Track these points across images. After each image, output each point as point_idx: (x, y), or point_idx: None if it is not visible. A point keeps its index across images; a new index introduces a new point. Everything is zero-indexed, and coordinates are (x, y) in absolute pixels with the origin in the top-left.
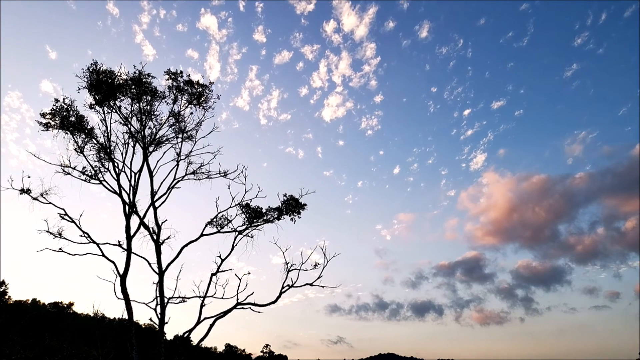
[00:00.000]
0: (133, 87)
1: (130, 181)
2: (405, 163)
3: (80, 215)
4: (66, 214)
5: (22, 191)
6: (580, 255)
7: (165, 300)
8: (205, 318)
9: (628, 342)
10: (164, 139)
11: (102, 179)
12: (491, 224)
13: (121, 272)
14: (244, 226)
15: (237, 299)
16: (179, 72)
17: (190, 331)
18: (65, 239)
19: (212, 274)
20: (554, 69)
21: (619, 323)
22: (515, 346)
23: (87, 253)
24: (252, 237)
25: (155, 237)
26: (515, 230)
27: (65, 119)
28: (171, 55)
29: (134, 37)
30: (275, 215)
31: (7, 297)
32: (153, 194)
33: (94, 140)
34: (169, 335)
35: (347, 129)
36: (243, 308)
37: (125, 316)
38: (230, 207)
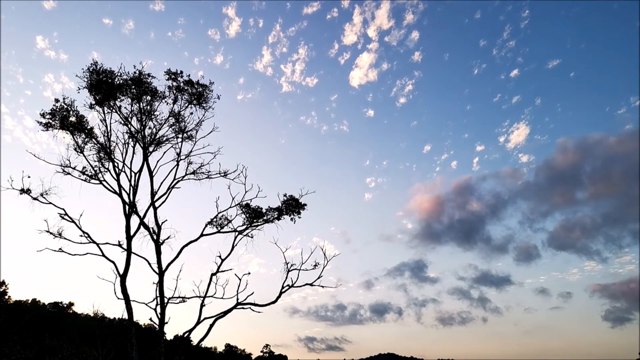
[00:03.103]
0: (133, 87)
1: (130, 181)
2: (437, 138)
3: (80, 215)
4: (66, 214)
5: (22, 191)
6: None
7: (165, 300)
8: (205, 318)
9: (592, 342)
10: (164, 139)
11: (102, 179)
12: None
13: (121, 272)
14: (244, 226)
15: (237, 299)
16: (179, 72)
17: (190, 331)
18: (65, 239)
19: (212, 274)
20: (625, 15)
21: (578, 322)
22: (489, 345)
23: (87, 253)
24: (252, 237)
25: (155, 237)
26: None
27: (65, 119)
28: (182, 3)
29: None
30: (275, 215)
31: (7, 297)
32: (153, 194)
33: (94, 140)
34: (169, 335)
35: (377, 96)
36: (243, 308)
37: (125, 316)
38: (230, 207)
